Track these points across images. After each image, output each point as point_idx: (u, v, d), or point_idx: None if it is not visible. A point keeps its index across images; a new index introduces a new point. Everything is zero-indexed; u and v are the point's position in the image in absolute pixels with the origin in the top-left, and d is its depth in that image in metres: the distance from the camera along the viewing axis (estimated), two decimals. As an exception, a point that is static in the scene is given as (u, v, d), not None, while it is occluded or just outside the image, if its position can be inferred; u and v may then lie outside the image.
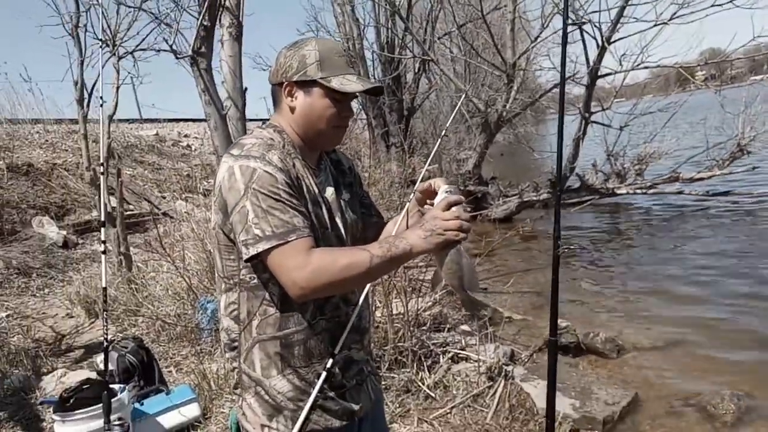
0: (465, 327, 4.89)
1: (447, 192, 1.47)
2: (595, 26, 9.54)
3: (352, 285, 1.47)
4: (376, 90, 1.57)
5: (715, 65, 11.43)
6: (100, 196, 3.41)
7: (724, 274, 6.43)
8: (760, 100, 10.09)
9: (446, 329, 4.70)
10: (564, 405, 3.64)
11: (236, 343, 1.55)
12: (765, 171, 11.80)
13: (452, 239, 1.38)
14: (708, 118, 10.82)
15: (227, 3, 5.02)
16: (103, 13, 4.38)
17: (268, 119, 1.64)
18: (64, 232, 8.42)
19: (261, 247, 1.34)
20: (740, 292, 5.78)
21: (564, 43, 2.08)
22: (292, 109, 1.54)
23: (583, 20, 9.34)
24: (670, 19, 9.22)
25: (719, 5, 8.84)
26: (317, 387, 1.50)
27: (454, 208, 1.40)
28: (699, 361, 4.52)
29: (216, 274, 1.58)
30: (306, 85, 1.51)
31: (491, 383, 3.79)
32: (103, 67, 3.73)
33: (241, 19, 5.23)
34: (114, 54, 5.73)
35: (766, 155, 12.30)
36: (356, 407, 1.60)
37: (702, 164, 10.50)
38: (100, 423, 2.79)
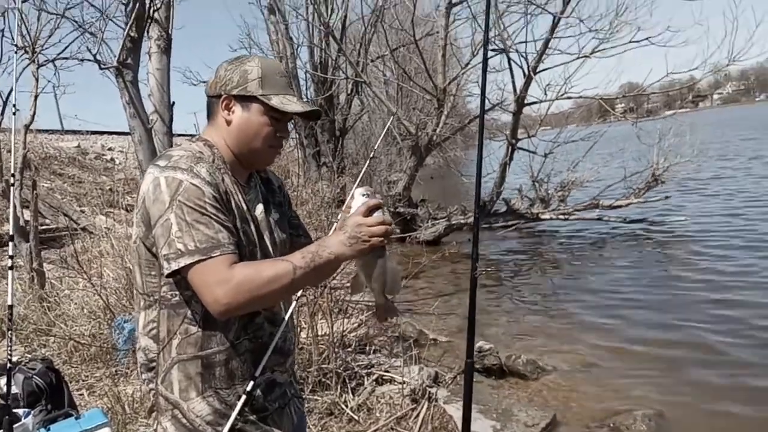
0: (390, 349, 4.90)
1: (364, 195, 1.42)
2: (522, 56, 9.90)
3: (276, 298, 1.44)
4: (315, 114, 1.57)
5: (633, 98, 12.09)
6: (10, 209, 3.24)
7: (638, 300, 6.70)
8: (673, 133, 10.70)
9: (371, 351, 4.69)
10: (485, 427, 3.69)
11: (154, 364, 1.49)
12: (677, 200, 12.49)
13: (377, 245, 1.36)
14: (626, 148, 11.37)
15: (156, 15, 4.92)
16: (22, 18, 4.19)
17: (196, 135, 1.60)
18: (-28, 246, 7.94)
19: (183, 262, 1.30)
20: (653, 318, 6.03)
21: (484, 68, 2.15)
22: (228, 122, 1.51)
23: (509, 49, 9.66)
24: (592, 53, 9.70)
25: (636, 41, 9.39)
26: (236, 410, 1.45)
27: (376, 213, 1.38)
28: (614, 381, 4.68)
29: (135, 291, 1.53)
30: (245, 100, 1.49)
31: (415, 405, 3.79)
32: (20, 75, 3.57)
33: (170, 32, 5.15)
34: (33, 61, 5.49)
35: (678, 185, 13.04)
36: None
37: (620, 192, 10.98)
38: (0, 450, 2.62)
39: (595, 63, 10.01)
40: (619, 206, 10.75)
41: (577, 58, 9.85)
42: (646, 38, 9.33)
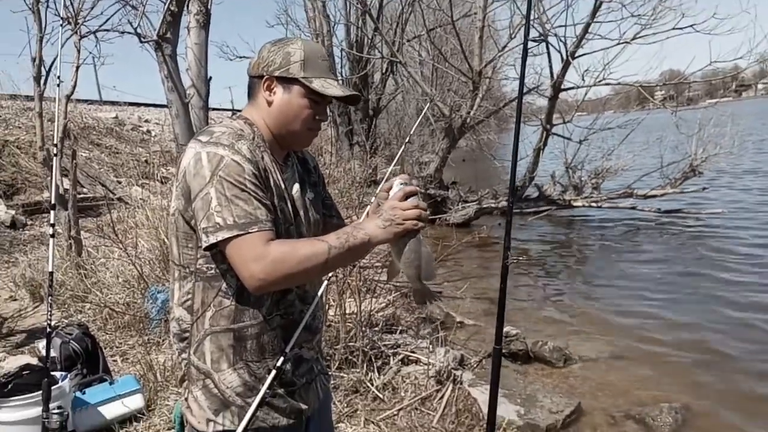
0: (416, 330, 4.93)
1: (402, 184, 1.47)
2: (561, 40, 9.74)
3: (310, 276, 1.45)
4: (354, 98, 1.58)
5: (673, 86, 11.78)
6: (52, 177, 3.32)
7: (670, 292, 6.61)
8: (713, 123, 10.42)
9: (398, 331, 4.72)
10: (509, 411, 3.70)
11: (187, 334, 1.52)
12: (714, 192, 12.22)
13: (411, 228, 1.40)
14: (664, 137, 11.13)
15: (196, -10, 4.95)
16: (66, -11, 4.26)
17: (232, 109, 1.62)
18: (13, 212, 8.17)
19: (221, 236, 1.32)
20: (684, 311, 5.95)
21: (525, 52, 2.11)
22: (269, 103, 1.52)
23: (548, 33, 9.51)
24: (633, 39, 9.49)
25: (680, 28, 9.14)
26: (266, 383, 1.48)
27: (411, 198, 1.42)
28: (641, 373, 4.64)
29: (171, 262, 1.55)
30: (287, 81, 1.50)
31: (439, 387, 3.82)
32: (63, 46, 3.63)
33: (209, 7, 5.17)
34: (76, 33, 5.58)
35: (717, 177, 12.74)
36: (304, 406, 1.59)
37: (656, 182, 10.79)
38: (38, 411, 2.72)
39: (636, 49, 9.81)
40: (654, 196, 10.56)
41: (618, 43, 9.66)
42: (691, 25, 9.09)
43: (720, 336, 5.22)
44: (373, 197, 1.68)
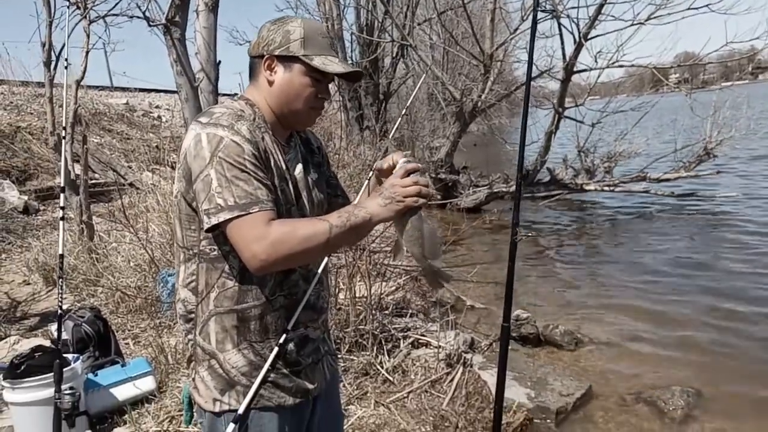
0: (426, 313, 4.93)
1: (404, 161, 1.46)
2: (573, 22, 9.62)
3: (312, 256, 1.45)
4: (356, 75, 1.56)
5: (688, 68, 11.63)
6: (61, 162, 3.33)
7: (682, 276, 6.55)
8: (729, 105, 10.28)
9: (408, 315, 4.72)
10: (519, 394, 3.70)
11: (192, 315, 1.52)
12: (729, 174, 12.08)
13: (412, 205, 1.39)
14: (678, 120, 11.00)
15: (204, -28, 4.92)
16: (74, -27, 4.24)
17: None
18: (26, 197, 8.23)
19: (222, 217, 1.32)
20: (696, 295, 5.91)
21: (534, 28, 2.08)
22: (270, 83, 1.51)
23: (560, 13, 9.39)
24: (647, 20, 9.36)
25: (695, 8, 8.99)
26: (268, 362, 1.48)
27: (412, 175, 1.40)
28: (652, 357, 4.62)
29: (175, 245, 1.55)
30: (287, 60, 1.49)
31: (449, 370, 3.82)
32: (72, 30, 3.63)
33: (217, -11, 5.13)
34: (85, 17, 5.57)
35: (731, 159, 12.58)
36: (311, 386, 1.59)
37: (670, 165, 10.67)
38: (50, 392, 2.74)
39: (650, 30, 9.68)
40: (668, 179, 10.45)
41: (631, 24, 9.52)
42: (706, 5, 8.93)
43: (734, 323, 5.16)
44: (371, 173, 1.67)
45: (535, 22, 2.10)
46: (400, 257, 1.58)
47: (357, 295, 4.25)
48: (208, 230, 1.36)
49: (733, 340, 4.83)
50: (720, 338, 4.88)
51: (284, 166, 1.51)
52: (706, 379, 4.17)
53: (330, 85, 1.58)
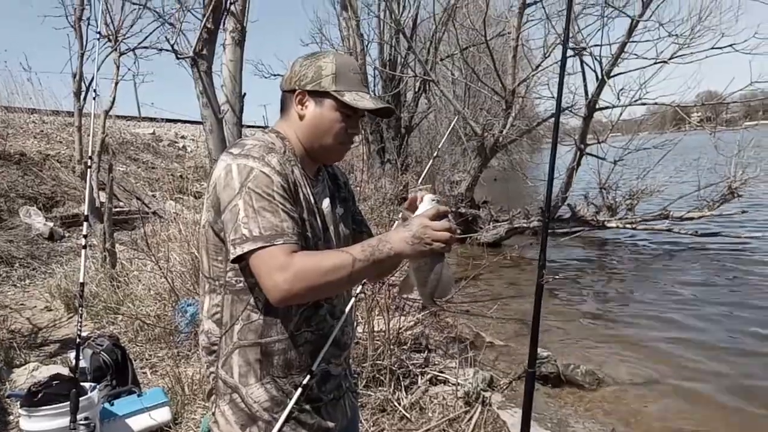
0: (445, 349, 4.87)
1: (434, 201, 1.42)
2: (596, 59, 9.64)
3: (335, 289, 1.44)
4: (386, 111, 1.56)
5: (710, 107, 11.55)
6: (86, 189, 3.37)
7: (706, 318, 6.41)
8: (753, 145, 10.17)
9: (426, 350, 4.66)
10: (539, 435, 3.61)
11: (215, 347, 1.51)
12: (754, 215, 11.89)
13: (438, 251, 1.35)
14: (701, 158, 10.90)
15: (232, 7, 5.02)
16: (107, 7, 4.36)
17: (265, 127, 1.62)
18: (51, 224, 8.34)
19: (247, 247, 1.31)
20: (720, 338, 5.77)
21: (562, 68, 2.08)
22: (301, 117, 1.52)
23: (583, 53, 9.43)
24: (670, 58, 9.36)
25: (719, 48, 8.97)
26: (294, 398, 1.46)
27: (444, 220, 1.36)
28: (676, 400, 4.50)
29: (201, 275, 1.55)
30: (319, 95, 1.50)
31: (468, 408, 3.75)
32: (102, 62, 3.72)
33: (245, 24, 5.24)
34: (115, 49, 5.73)
35: (756, 200, 12.40)
36: (331, 424, 1.57)
37: (693, 204, 10.55)
38: (66, 421, 2.74)
39: (673, 69, 9.64)
40: (691, 218, 10.30)
41: (654, 63, 9.52)
42: (730, 45, 8.92)
43: (759, 367, 5.03)
44: (400, 212, 1.66)
45: (564, 59, 2.10)
46: (406, 293, 1.56)
47: (375, 329, 4.21)
48: (233, 261, 1.36)
49: (759, 387, 4.69)
50: (749, 382, 4.74)
51: (313, 200, 1.51)
52: (734, 424, 4.05)
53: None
